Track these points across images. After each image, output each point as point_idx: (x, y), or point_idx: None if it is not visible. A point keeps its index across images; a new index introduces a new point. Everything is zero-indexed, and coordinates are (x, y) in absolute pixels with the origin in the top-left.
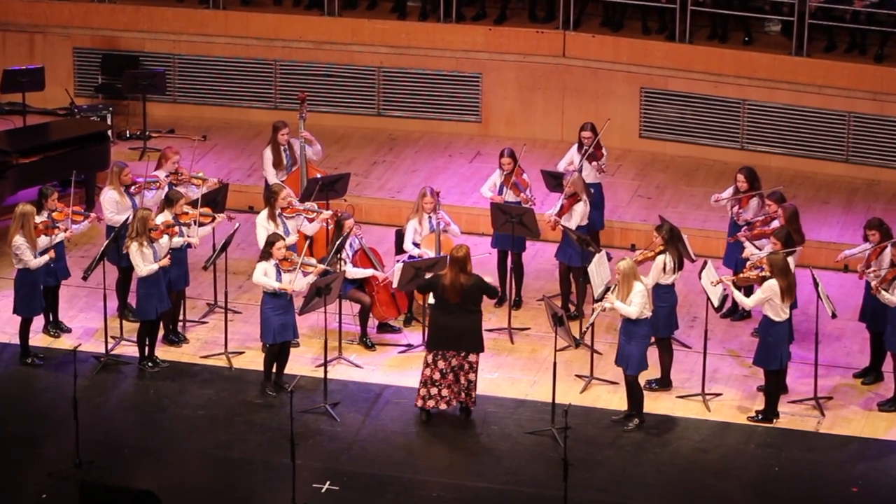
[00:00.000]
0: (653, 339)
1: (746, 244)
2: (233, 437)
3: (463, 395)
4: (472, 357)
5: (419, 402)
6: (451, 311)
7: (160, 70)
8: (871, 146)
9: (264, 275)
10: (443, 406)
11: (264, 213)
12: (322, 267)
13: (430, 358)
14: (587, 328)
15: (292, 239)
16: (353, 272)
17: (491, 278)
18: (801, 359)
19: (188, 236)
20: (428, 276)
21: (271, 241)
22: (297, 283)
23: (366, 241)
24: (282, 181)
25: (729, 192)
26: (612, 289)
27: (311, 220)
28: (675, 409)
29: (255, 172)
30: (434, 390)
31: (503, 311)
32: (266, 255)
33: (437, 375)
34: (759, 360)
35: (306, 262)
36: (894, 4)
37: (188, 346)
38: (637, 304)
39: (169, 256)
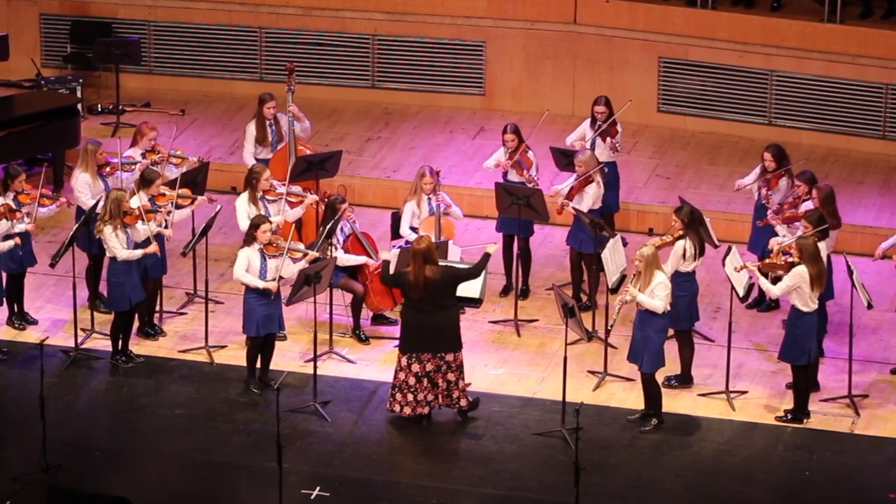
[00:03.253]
0: (672, 332)
1: (779, 228)
2: (214, 439)
3: (441, 398)
4: (448, 357)
5: (395, 408)
6: (422, 308)
7: (135, 38)
8: None
9: (246, 268)
10: (419, 410)
11: (244, 195)
12: (313, 254)
13: (403, 361)
14: (611, 327)
15: (276, 219)
16: (345, 259)
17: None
18: (834, 353)
19: (163, 226)
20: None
21: (256, 223)
22: (285, 269)
23: (359, 225)
24: (267, 160)
25: (754, 174)
26: (632, 278)
27: (293, 205)
28: (696, 409)
29: (238, 150)
30: (410, 396)
31: (509, 302)
32: (249, 239)
33: (412, 380)
34: (784, 355)
35: (294, 248)
36: None
37: (165, 339)
38: (662, 296)
39: (156, 243)
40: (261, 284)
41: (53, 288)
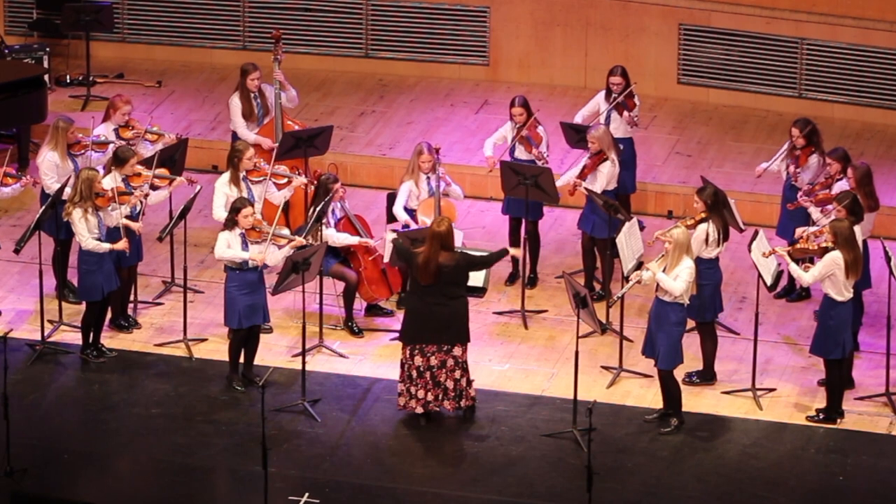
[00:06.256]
0: (693, 325)
1: (811, 210)
2: (193, 441)
3: (449, 401)
4: (455, 350)
5: (401, 403)
6: (428, 295)
7: (107, 3)
8: None
9: (227, 247)
10: (419, 409)
11: (226, 175)
12: (299, 240)
13: (406, 352)
14: (616, 299)
15: (257, 207)
16: (338, 238)
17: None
18: (870, 347)
19: (131, 219)
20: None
21: (237, 207)
22: (270, 257)
23: (350, 206)
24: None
25: (779, 153)
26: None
27: (279, 187)
28: (719, 408)
29: (220, 125)
30: (413, 389)
31: (516, 291)
32: (230, 223)
33: (413, 373)
34: (817, 348)
35: (279, 234)
36: None
37: (140, 331)
38: (684, 280)
39: (126, 239)
40: (247, 255)
41: (18, 276)
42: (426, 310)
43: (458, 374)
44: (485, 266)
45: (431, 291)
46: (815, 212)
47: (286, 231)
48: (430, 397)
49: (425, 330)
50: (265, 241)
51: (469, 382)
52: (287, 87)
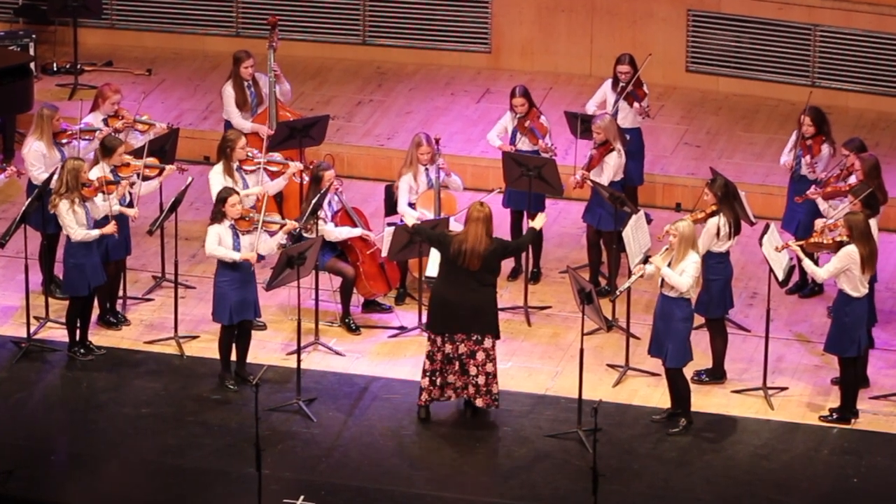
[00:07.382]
0: (703, 321)
1: (820, 203)
2: (184, 442)
3: (481, 397)
4: (486, 343)
5: (425, 398)
6: (463, 282)
7: None
8: None
9: (218, 242)
10: (455, 397)
11: (219, 166)
12: (292, 223)
13: (438, 341)
14: (620, 293)
15: (254, 190)
16: (335, 232)
17: None
18: (885, 345)
19: (124, 206)
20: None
21: (223, 196)
22: (263, 246)
23: (347, 198)
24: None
25: (790, 143)
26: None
27: (273, 176)
28: (729, 407)
29: (212, 114)
30: (439, 380)
31: (518, 286)
32: (218, 215)
33: (446, 361)
34: (832, 346)
35: (269, 220)
36: None
37: (129, 328)
38: (691, 275)
39: (114, 223)
40: (237, 256)
41: (3, 271)
42: (457, 297)
43: (489, 367)
44: (519, 252)
45: (465, 278)
46: (823, 205)
47: (276, 217)
48: (459, 383)
49: (455, 318)
50: (256, 229)
51: (494, 376)
52: (282, 81)
